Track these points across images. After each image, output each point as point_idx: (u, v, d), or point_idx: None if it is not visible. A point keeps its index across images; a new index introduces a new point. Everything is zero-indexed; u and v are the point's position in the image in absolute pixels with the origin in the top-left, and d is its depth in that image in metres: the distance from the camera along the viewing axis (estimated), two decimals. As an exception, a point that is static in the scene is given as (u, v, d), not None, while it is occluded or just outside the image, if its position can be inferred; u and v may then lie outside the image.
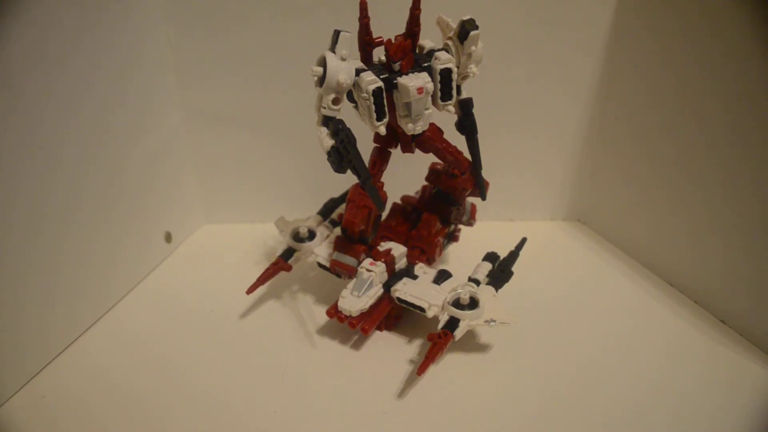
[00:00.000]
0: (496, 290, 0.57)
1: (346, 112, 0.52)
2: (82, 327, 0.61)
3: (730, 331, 0.60)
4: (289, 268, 0.64)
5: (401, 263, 0.60)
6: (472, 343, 0.58)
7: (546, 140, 0.81)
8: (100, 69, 0.61)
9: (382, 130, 0.52)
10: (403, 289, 0.57)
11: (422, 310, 0.55)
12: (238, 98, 0.77)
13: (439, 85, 0.53)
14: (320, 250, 0.63)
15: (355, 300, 0.55)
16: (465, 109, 0.56)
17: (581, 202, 0.85)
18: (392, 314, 0.60)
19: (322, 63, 0.49)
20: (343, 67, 0.49)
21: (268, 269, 0.63)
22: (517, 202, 0.85)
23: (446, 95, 0.53)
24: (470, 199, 0.66)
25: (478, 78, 0.55)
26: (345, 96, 0.51)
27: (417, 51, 0.54)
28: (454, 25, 0.53)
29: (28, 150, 0.52)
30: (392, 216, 0.66)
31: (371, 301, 0.56)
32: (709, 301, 0.64)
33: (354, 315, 0.54)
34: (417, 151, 0.58)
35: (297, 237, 0.65)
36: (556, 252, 0.78)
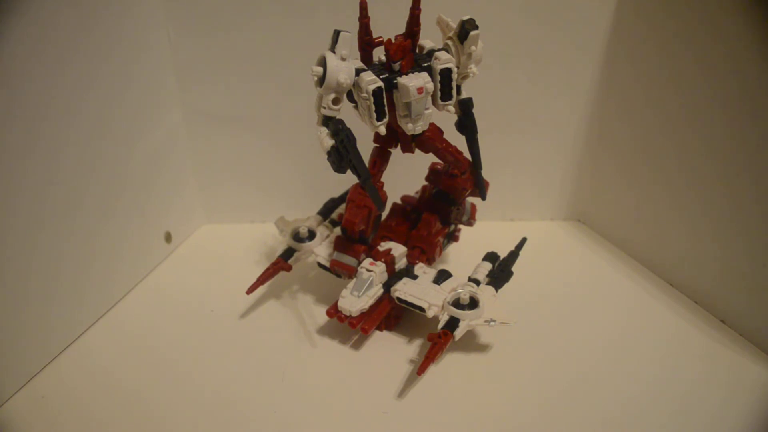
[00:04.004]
0: (496, 290, 0.57)
1: (346, 112, 0.52)
2: (82, 327, 0.61)
3: (730, 331, 0.60)
4: (289, 268, 0.64)
5: (401, 263, 0.60)
6: (472, 343, 0.58)
7: (546, 140, 0.81)
8: (100, 69, 0.61)
9: (382, 130, 0.52)
10: (403, 289, 0.57)
11: (422, 310, 0.55)
12: (237, 98, 0.77)
13: (439, 85, 0.53)
14: (320, 250, 0.63)
15: (355, 300, 0.55)
16: (465, 109, 0.56)
17: (581, 202, 0.85)
18: (392, 314, 0.60)
19: (322, 63, 0.49)
20: (343, 67, 0.49)
21: (268, 269, 0.63)
22: (517, 202, 0.85)
23: (446, 95, 0.53)
24: (470, 199, 0.66)
25: (478, 78, 0.55)
26: (345, 96, 0.51)
27: (417, 51, 0.54)
28: (454, 25, 0.53)
29: (29, 150, 0.52)
30: (392, 216, 0.66)
31: (371, 301, 0.56)
32: (708, 301, 0.64)
33: (354, 315, 0.54)
34: (417, 151, 0.58)
35: (297, 237, 0.65)
36: (556, 252, 0.78)
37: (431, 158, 0.61)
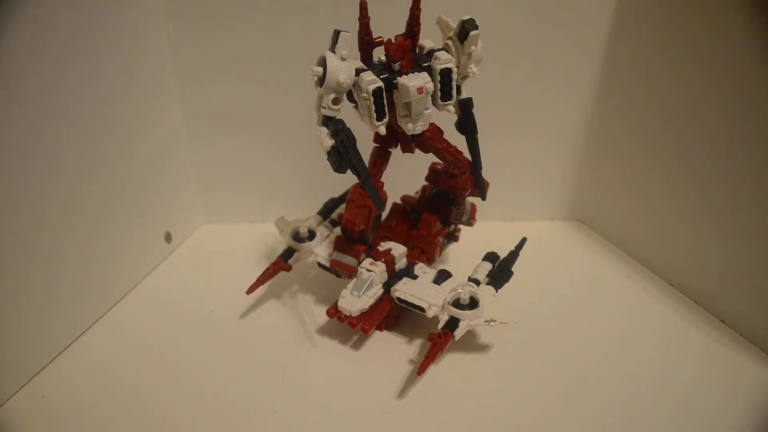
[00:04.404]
0: (496, 290, 0.57)
1: (346, 112, 0.52)
2: (82, 327, 0.61)
3: (730, 331, 0.60)
4: (289, 268, 0.64)
5: (401, 263, 0.60)
6: (472, 343, 0.58)
7: (546, 140, 0.81)
8: (100, 69, 0.61)
9: (382, 130, 0.52)
10: (403, 289, 0.57)
11: (422, 310, 0.55)
12: (237, 98, 0.77)
13: (439, 85, 0.53)
14: (320, 250, 0.63)
15: (355, 300, 0.55)
16: (465, 109, 0.56)
17: (581, 202, 0.85)
18: (392, 314, 0.60)
19: (322, 63, 0.49)
20: (343, 67, 0.49)
21: (268, 269, 0.63)
22: (517, 202, 0.85)
23: (446, 95, 0.53)
24: (470, 199, 0.66)
25: (478, 78, 0.55)
26: (345, 96, 0.51)
27: (417, 51, 0.54)
28: (454, 25, 0.53)
29: (29, 150, 0.52)
30: (392, 216, 0.66)
31: (371, 301, 0.56)
32: (708, 301, 0.64)
33: (354, 315, 0.54)
34: (417, 151, 0.58)
35: (297, 237, 0.65)
36: (556, 252, 0.78)
37: (431, 158, 0.61)
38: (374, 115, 0.51)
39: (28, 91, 0.52)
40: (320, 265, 0.62)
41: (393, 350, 0.58)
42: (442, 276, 0.58)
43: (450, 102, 0.54)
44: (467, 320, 0.53)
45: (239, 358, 0.57)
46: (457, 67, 0.53)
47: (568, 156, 0.82)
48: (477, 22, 0.52)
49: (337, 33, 0.49)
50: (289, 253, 0.64)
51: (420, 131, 0.54)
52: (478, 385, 0.54)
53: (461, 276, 0.59)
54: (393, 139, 0.57)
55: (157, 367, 0.56)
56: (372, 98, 0.50)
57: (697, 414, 0.50)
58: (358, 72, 0.50)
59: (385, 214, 0.64)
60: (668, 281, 0.69)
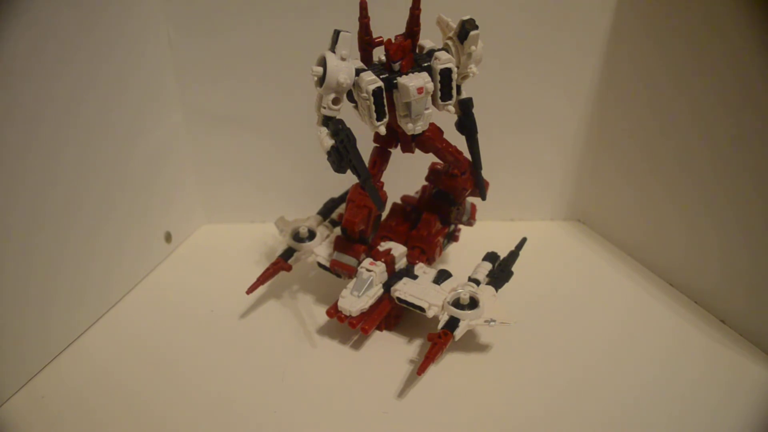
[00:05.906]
0: (496, 290, 0.57)
1: (346, 112, 0.52)
2: (82, 327, 0.61)
3: (730, 331, 0.60)
4: (289, 268, 0.64)
5: (401, 263, 0.60)
6: (472, 343, 0.58)
7: (546, 140, 0.81)
8: (100, 69, 0.61)
9: (382, 130, 0.52)
10: (403, 289, 0.57)
11: (422, 310, 0.55)
12: (237, 98, 0.77)
13: (439, 85, 0.53)
14: (320, 250, 0.63)
15: (355, 300, 0.55)
16: (465, 109, 0.56)
17: (581, 202, 0.85)
18: (392, 314, 0.60)
19: (322, 63, 0.49)
20: (343, 67, 0.49)
21: (268, 269, 0.63)
22: (517, 202, 0.85)
23: (446, 95, 0.53)
24: (470, 199, 0.66)
25: (478, 78, 0.55)
26: (345, 96, 0.51)
27: (417, 51, 0.54)
28: (454, 25, 0.53)
29: (29, 150, 0.52)
30: (392, 216, 0.66)
31: (371, 301, 0.56)
32: (709, 301, 0.64)
33: (354, 315, 0.54)
34: (417, 151, 0.58)
35: (297, 237, 0.65)
36: (556, 252, 0.78)
37: (431, 158, 0.61)
38: (374, 115, 0.51)
39: (28, 91, 0.52)
40: (320, 265, 0.62)
41: (393, 350, 0.58)
42: (442, 276, 0.58)
43: (450, 102, 0.54)
44: (467, 320, 0.53)
45: (239, 358, 0.57)
46: (457, 67, 0.53)
47: (568, 156, 0.82)
48: (477, 22, 0.52)
49: (337, 33, 0.49)
50: (289, 253, 0.64)
51: (420, 131, 0.54)
52: (478, 385, 0.54)
53: (461, 276, 0.59)
54: (393, 139, 0.57)
55: (157, 367, 0.56)
56: (372, 98, 0.50)
57: (697, 414, 0.50)
58: (358, 72, 0.50)
59: (385, 214, 0.64)
60: (668, 281, 0.69)
